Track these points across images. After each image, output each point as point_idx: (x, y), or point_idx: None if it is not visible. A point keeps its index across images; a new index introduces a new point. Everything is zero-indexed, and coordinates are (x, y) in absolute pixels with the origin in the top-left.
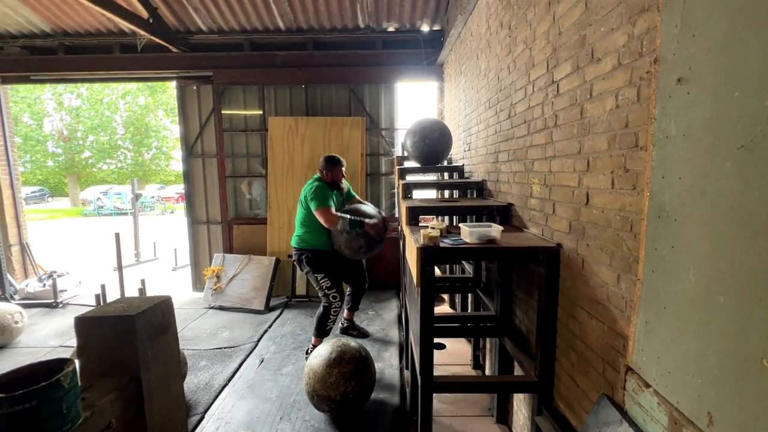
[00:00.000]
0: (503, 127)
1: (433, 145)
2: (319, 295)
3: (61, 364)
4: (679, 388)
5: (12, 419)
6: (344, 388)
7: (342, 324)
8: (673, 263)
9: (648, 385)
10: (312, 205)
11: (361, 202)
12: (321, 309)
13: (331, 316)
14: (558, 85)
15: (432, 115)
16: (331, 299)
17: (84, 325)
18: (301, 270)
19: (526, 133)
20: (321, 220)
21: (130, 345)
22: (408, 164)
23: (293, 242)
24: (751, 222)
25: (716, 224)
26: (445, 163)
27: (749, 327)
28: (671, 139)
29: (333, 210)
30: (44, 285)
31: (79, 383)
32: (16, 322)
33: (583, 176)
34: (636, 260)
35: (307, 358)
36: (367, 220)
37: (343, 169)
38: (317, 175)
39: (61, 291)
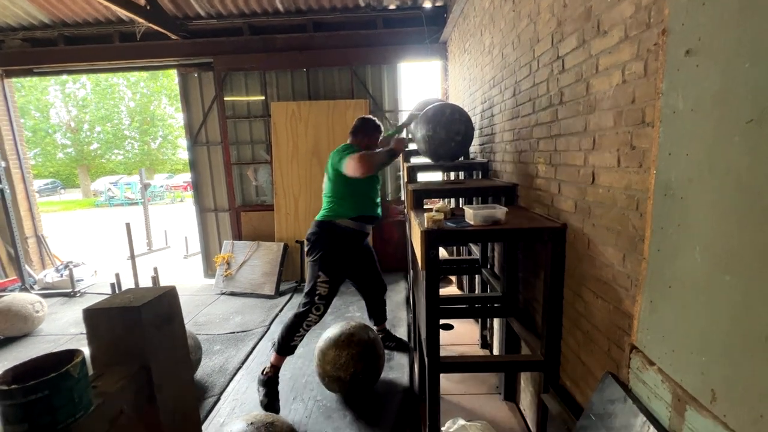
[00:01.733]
0: (508, 106)
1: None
2: (303, 298)
3: (70, 354)
4: (683, 366)
5: (27, 408)
6: (354, 369)
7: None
8: (679, 242)
9: (652, 363)
10: (344, 161)
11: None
12: (293, 317)
13: (301, 330)
14: (563, 60)
15: (436, 96)
16: (313, 309)
17: (92, 316)
18: (308, 255)
19: (531, 112)
20: (356, 167)
21: (138, 335)
22: (412, 146)
23: (318, 217)
24: (759, 198)
25: (723, 201)
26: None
27: (755, 305)
28: (679, 114)
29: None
30: (61, 275)
31: (91, 372)
32: (37, 312)
33: (589, 154)
34: (642, 239)
35: (260, 382)
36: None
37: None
38: (347, 143)
39: (78, 280)
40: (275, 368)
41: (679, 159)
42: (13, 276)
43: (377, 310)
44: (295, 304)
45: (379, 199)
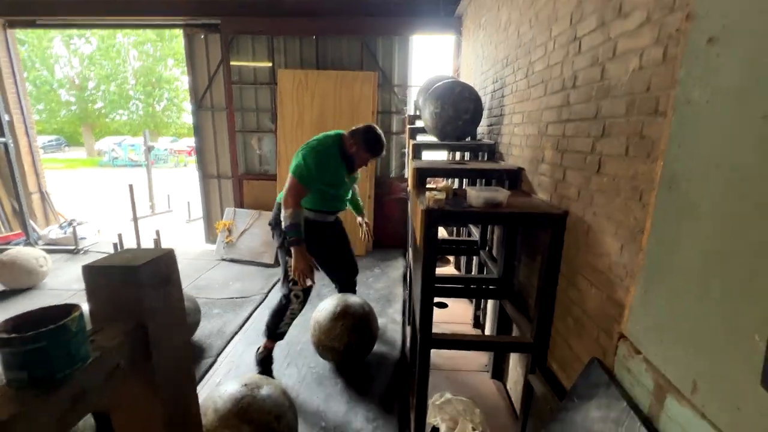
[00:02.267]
0: (519, 87)
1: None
2: (281, 286)
3: (69, 309)
4: (668, 357)
5: (25, 357)
6: (348, 340)
7: None
8: (679, 235)
9: (638, 352)
10: (293, 164)
11: (357, 206)
12: (277, 303)
13: (285, 319)
14: (580, 42)
15: (447, 73)
16: (293, 298)
17: (91, 273)
18: (273, 239)
19: (543, 94)
20: (285, 189)
21: (135, 293)
22: (420, 123)
23: (278, 198)
24: (762, 197)
25: (727, 197)
26: (468, 139)
27: (747, 302)
28: (693, 105)
29: (302, 191)
30: (65, 232)
31: (89, 326)
32: (41, 266)
33: (597, 142)
34: (641, 231)
35: (256, 360)
36: (291, 262)
37: (374, 160)
38: (338, 132)
39: (81, 238)
40: (268, 350)
41: (687, 152)
42: (18, 230)
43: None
44: None
45: (348, 196)
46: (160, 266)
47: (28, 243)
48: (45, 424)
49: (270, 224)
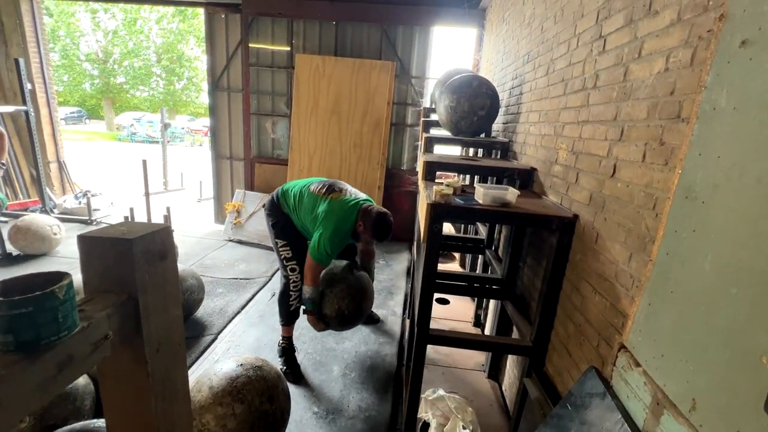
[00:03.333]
0: (539, 85)
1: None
2: (280, 270)
3: (59, 276)
4: (668, 372)
5: (11, 321)
6: (338, 306)
7: None
8: (691, 248)
9: (638, 365)
10: (314, 238)
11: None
12: (280, 287)
13: (291, 293)
14: (605, 40)
15: (467, 67)
16: (289, 271)
17: (85, 243)
18: (267, 224)
19: (562, 93)
20: (307, 265)
21: (128, 266)
22: (435, 117)
23: (281, 189)
24: None
25: (747, 211)
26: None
27: (758, 323)
28: (719, 111)
29: (321, 269)
30: (80, 203)
31: (80, 296)
32: (55, 234)
33: (614, 146)
34: (652, 240)
35: (278, 354)
36: (306, 309)
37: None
38: (360, 204)
39: (95, 210)
40: (287, 339)
41: (708, 161)
42: (35, 197)
43: None
44: None
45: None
46: (155, 241)
47: (44, 210)
48: (29, 388)
49: (264, 204)
